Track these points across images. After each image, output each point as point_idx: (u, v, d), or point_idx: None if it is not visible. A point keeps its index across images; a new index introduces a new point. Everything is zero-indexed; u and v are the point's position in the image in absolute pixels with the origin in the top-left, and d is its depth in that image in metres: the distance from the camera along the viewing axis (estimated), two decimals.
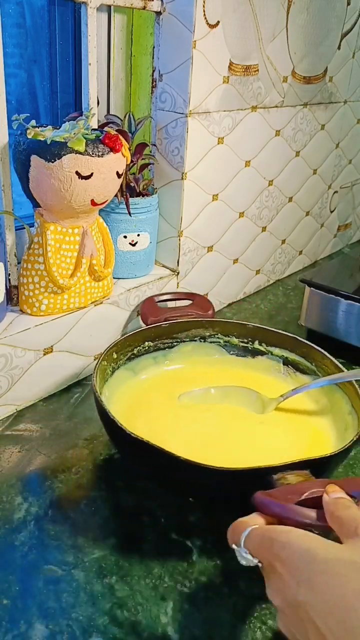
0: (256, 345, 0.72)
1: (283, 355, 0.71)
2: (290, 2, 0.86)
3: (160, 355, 0.71)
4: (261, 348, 0.72)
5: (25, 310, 0.68)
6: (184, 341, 0.72)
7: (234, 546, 0.39)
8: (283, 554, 0.35)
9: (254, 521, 0.39)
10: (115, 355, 0.65)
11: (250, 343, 0.73)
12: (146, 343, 0.69)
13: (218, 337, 0.73)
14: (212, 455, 0.52)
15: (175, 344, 0.72)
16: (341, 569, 0.33)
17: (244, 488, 0.43)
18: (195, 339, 0.72)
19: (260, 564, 0.37)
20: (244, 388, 0.66)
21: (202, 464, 0.47)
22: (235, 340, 0.73)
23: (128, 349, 0.67)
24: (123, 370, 0.67)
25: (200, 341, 0.73)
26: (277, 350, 0.71)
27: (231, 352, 0.73)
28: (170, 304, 0.81)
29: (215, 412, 0.64)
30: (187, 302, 0.80)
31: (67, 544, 0.50)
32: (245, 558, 0.38)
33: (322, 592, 0.32)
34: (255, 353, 0.73)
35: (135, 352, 0.68)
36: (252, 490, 0.42)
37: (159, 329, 0.70)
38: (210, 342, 0.73)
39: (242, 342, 0.73)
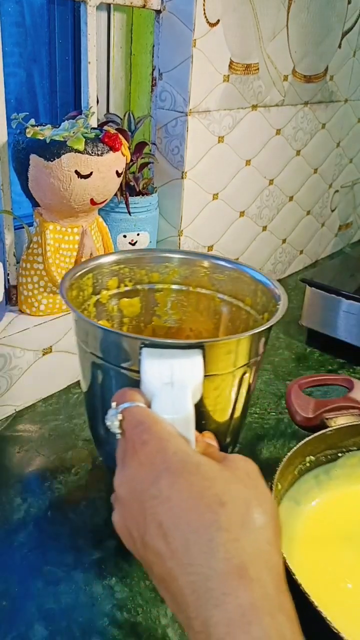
0: None
1: None
2: (291, 1, 0.86)
3: (322, 473, 0.55)
4: None
5: (25, 310, 0.68)
6: (350, 450, 0.57)
7: (113, 404, 0.37)
8: (153, 442, 0.33)
9: (140, 399, 0.37)
10: (279, 486, 0.50)
11: None
12: (307, 459, 0.54)
13: None
14: None
15: (339, 455, 0.56)
16: (211, 474, 0.32)
17: None
18: None
19: (118, 436, 0.36)
20: None
21: None
22: None
23: (290, 469, 0.52)
24: (285, 502, 0.52)
25: None
26: None
27: None
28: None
29: None
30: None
31: (66, 545, 0.50)
32: (113, 423, 0.36)
33: (184, 491, 0.31)
34: None
35: (296, 473, 0.53)
36: None
37: (321, 439, 0.54)
38: None
39: None
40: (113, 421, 0.36)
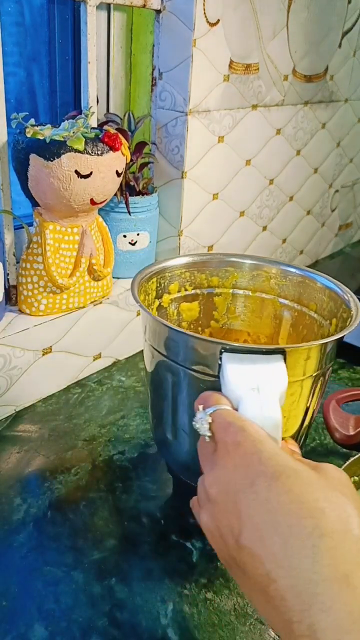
0: None
1: None
2: (291, 1, 0.86)
3: None
4: None
5: (24, 310, 0.68)
6: None
7: (200, 408, 0.38)
8: (247, 444, 0.34)
9: (226, 402, 0.39)
10: None
11: None
12: (352, 479, 0.53)
13: None
14: None
15: None
16: (309, 479, 0.32)
17: None
18: None
19: (208, 438, 0.37)
20: None
21: None
22: None
23: None
24: None
25: None
26: None
27: None
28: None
29: None
30: None
31: (66, 545, 0.50)
32: (203, 425, 0.37)
33: (282, 494, 0.31)
34: None
35: None
36: None
37: None
38: None
39: None
40: (203, 424, 0.37)
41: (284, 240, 1.09)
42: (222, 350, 0.41)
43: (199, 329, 0.62)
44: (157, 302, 0.57)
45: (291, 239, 1.11)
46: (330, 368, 0.50)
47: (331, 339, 0.45)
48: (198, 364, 0.45)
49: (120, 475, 0.58)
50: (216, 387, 0.41)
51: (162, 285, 0.57)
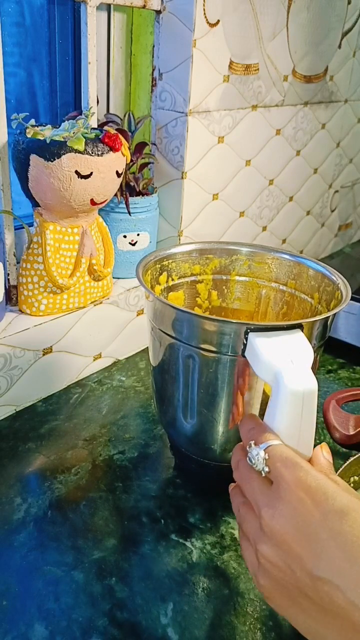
0: None
1: None
2: (291, 1, 0.86)
3: None
4: None
5: (25, 310, 0.68)
6: None
7: (252, 444, 0.39)
8: (308, 479, 0.35)
9: (275, 437, 0.39)
10: None
11: None
12: (351, 479, 0.53)
13: None
14: None
15: None
16: None
17: None
18: None
19: (264, 473, 0.37)
20: None
21: None
22: None
23: None
24: None
25: None
26: None
27: None
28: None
29: None
30: None
31: (66, 545, 0.50)
32: (259, 461, 0.38)
33: (356, 527, 0.32)
34: None
35: None
36: None
37: None
38: None
39: None
40: (259, 459, 0.38)
41: (284, 241, 1.09)
42: (248, 330, 0.43)
43: None
44: None
45: (291, 239, 1.11)
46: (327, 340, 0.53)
47: (337, 310, 0.48)
48: (212, 344, 0.47)
49: (120, 474, 0.58)
50: (222, 362, 0.45)
51: (154, 276, 0.59)
